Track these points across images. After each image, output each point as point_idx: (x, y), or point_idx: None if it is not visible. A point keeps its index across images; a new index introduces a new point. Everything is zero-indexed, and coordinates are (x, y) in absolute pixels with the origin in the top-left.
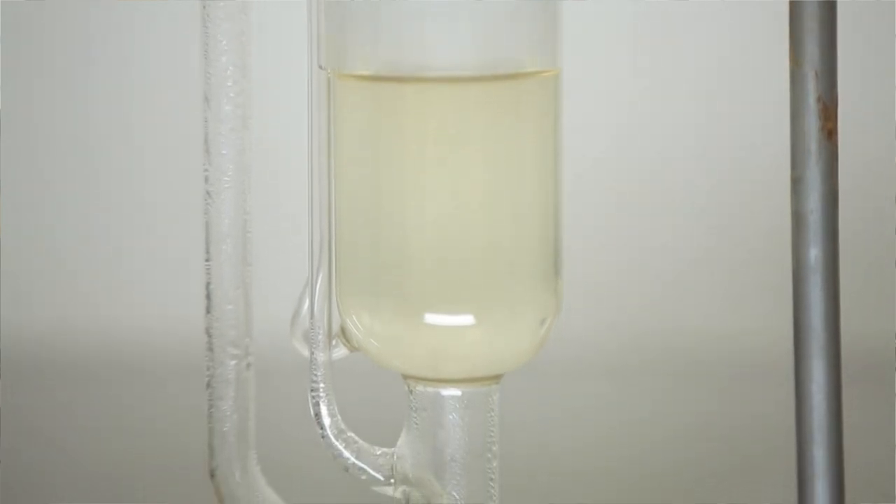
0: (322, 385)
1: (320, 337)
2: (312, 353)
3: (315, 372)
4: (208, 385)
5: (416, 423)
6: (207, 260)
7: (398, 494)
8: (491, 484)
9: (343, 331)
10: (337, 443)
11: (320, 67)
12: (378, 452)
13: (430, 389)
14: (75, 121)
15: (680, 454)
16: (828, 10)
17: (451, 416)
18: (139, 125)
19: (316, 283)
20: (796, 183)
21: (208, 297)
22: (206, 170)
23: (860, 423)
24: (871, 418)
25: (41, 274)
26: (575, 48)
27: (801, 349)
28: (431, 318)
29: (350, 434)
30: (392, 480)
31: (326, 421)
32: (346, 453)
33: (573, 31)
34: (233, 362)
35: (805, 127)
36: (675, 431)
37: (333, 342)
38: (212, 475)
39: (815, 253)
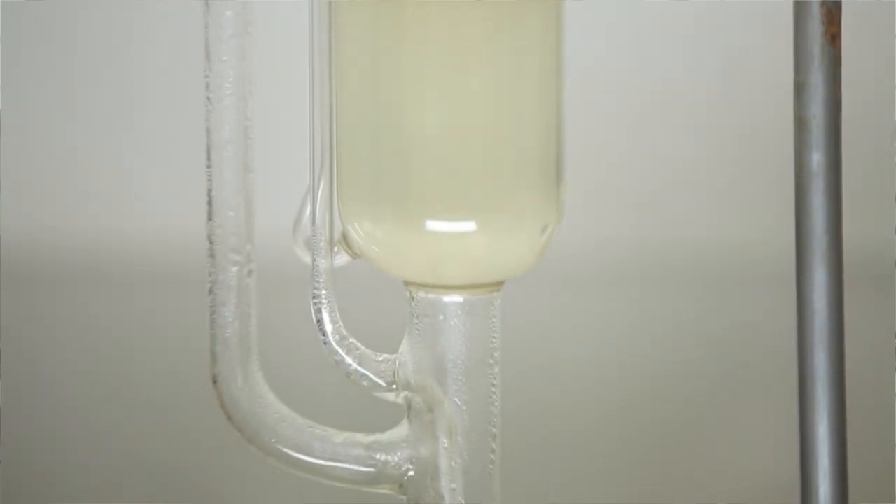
0: (324, 292)
1: (322, 244)
2: (314, 260)
3: (317, 278)
4: (210, 291)
5: (418, 330)
6: (208, 166)
7: (400, 400)
8: (492, 390)
9: (345, 238)
10: (339, 349)
11: None
12: (380, 359)
13: (431, 296)
14: (77, 24)
15: (681, 363)
16: None
17: (452, 323)
18: (139, 31)
19: (317, 190)
20: (799, 88)
21: (209, 203)
22: (206, 76)
23: (861, 329)
24: (872, 324)
25: (41, 183)
26: None
27: (803, 255)
28: (433, 224)
29: (352, 340)
30: (394, 386)
31: (328, 327)
32: (348, 359)
33: None
34: (234, 269)
35: (808, 31)
36: (676, 340)
37: (335, 249)
38: (214, 381)
39: (817, 158)
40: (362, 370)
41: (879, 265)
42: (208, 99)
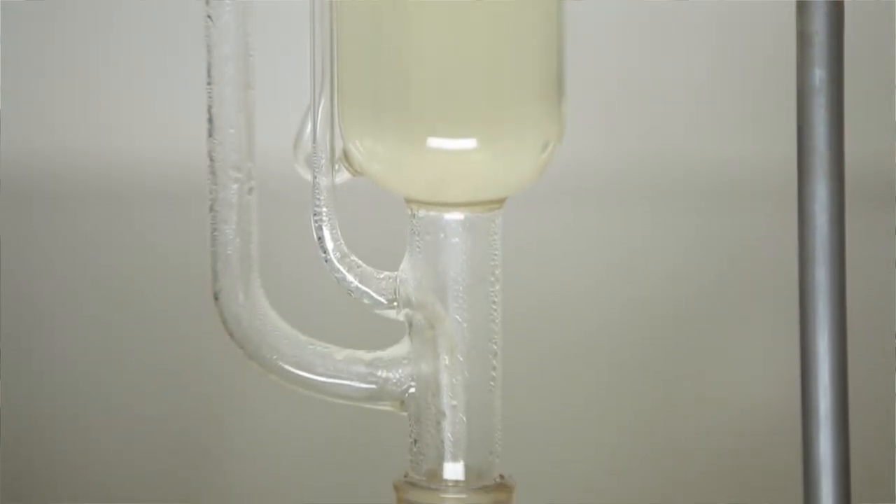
0: (325, 209)
1: (322, 161)
2: (315, 178)
3: (317, 196)
4: (211, 209)
5: (419, 248)
6: (209, 83)
7: (401, 318)
8: (493, 308)
9: (345, 155)
10: (340, 266)
11: None
12: (381, 276)
13: (432, 213)
14: None
15: (681, 280)
16: None
17: (453, 240)
18: None
19: (318, 107)
20: (801, 3)
21: (210, 120)
22: None
23: (862, 245)
24: (873, 239)
25: (43, 100)
26: None
27: (805, 171)
28: (434, 141)
29: (353, 258)
30: (395, 304)
31: (329, 245)
32: (349, 277)
33: None
34: (235, 186)
35: None
36: (677, 257)
37: (336, 166)
38: (215, 298)
39: (819, 74)
40: (363, 288)
41: (880, 182)
42: (209, 16)
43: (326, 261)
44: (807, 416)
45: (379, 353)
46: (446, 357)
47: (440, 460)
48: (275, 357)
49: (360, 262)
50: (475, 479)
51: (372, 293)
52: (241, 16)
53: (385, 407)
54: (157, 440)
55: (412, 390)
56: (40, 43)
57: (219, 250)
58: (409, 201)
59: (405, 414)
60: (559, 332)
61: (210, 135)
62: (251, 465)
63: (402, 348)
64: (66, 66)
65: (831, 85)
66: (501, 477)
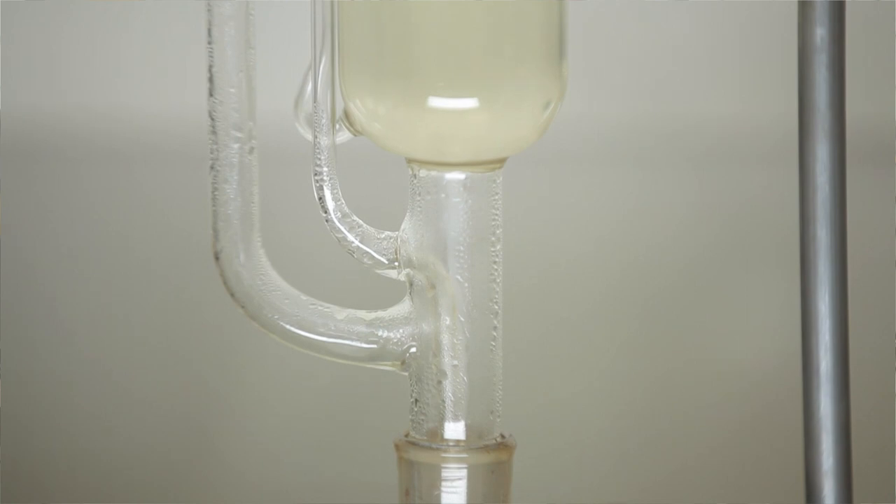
0: (325, 169)
1: (323, 121)
2: (315, 137)
3: (318, 156)
4: (212, 168)
5: (420, 207)
6: (210, 42)
7: (402, 278)
8: (494, 267)
9: (346, 115)
10: (341, 226)
11: None
12: (381, 236)
13: (433, 173)
14: None
15: (682, 239)
16: None
17: (454, 200)
18: None
19: (319, 66)
20: None
21: (210, 80)
22: None
23: (863, 203)
24: (873, 198)
25: (43, 58)
26: None
27: (806, 130)
28: (435, 101)
29: (354, 218)
30: (395, 264)
31: (330, 205)
32: (350, 237)
33: None
34: (236, 146)
35: None
36: (678, 216)
37: (336, 126)
38: (216, 257)
39: (820, 33)
40: (364, 248)
41: (880, 141)
42: None
43: (327, 221)
44: (807, 375)
45: (380, 313)
46: (447, 317)
47: (441, 420)
48: (275, 317)
49: (360, 221)
50: (476, 439)
51: (373, 253)
52: None
53: (386, 367)
54: (159, 402)
55: (413, 350)
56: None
57: (219, 210)
58: (409, 161)
59: (406, 374)
60: (560, 292)
61: (210, 94)
62: (252, 426)
63: (402, 308)
64: (69, 25)
65: (832, 44)
66: (502, 436)
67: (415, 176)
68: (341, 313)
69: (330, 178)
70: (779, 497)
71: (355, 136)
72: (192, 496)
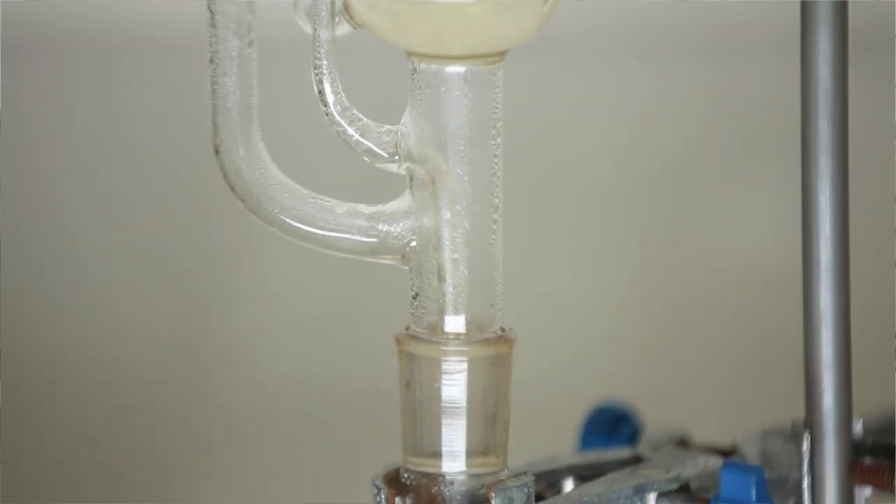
0: (325, 62)
1: (323, 13)
2: (315, 30)
3: (318, 49)
4: (211, 61)
5: (420, 101)
6: None
7: (402, 171)
8: (495, 161)
9: (346, 7)
10: (341, 120)
11: None
12: (381, 130)
13: (433, 66)
14: None
15: (683, 131)
16: None
17: (454, 94)
18: None
19: None
20: None
21: None
22: None
23: (863, 95)
24: (873, 90)
25: None
26: None
27: (808, 21)
28: None
29: (354, 111)
30: (396, 158)
31: (330, 98)
32: (350, 130)
33: None
34: (235, 39)
35: None
36: (679, 107)
37: (336, 19)
38: (216, 151)
39: None
40: (364, 141)
41: (880, 33)
42: None
43: (327, 114)
44: (808, 267)
45: (380, 207)
46: (447, 211)
47: (441, 313)
48: (276, 210)
49: (360, 115)
50: (476, 332)
51: (373, 147)
52: None
53: (386, 260)
54: (160, 294)
55: (413, 244)
56: None
57: (219, 103)
58: (410, 54)
59: (406, 267)
60: (560, 185)
61: None
62: (253, 319)
63: (403, 202)
64: None
65: None
66: (502, 330)
67: (415, 69)
68: (341, 207)
69: (329, 72)
70: (779, 388)
71: (355, 28)
72: (194, 398)
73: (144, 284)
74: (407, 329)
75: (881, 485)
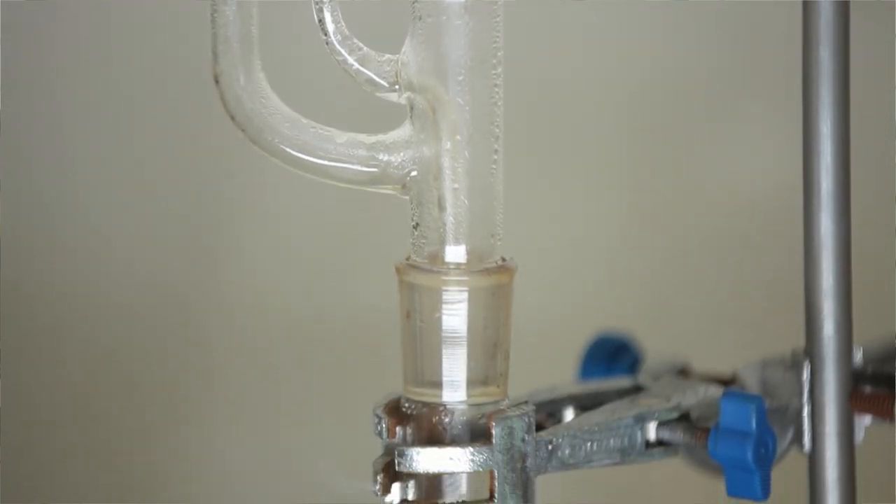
0: None
1: None
2: None
3: None
4: None
5: (421, 30)
6: None
7: (403, 101)
8: (496, 91)
9: None
10: (341, 49)
11: None
12: (382, 59)
13: None
14: None
15: (684, 60)
16: None
17: (455, 23)
18: None
19: None
20: None
21: None
22: None
23: (862, 30)
24: (874, 27)
25: None
26: None
27: None
28: None
29: (354, 41)
30: (396, 87)
31: (330, 27)
32: (350, 59)
33: None
34: None
35: None
36: (679, 36)
37: None
38: (216, 80)
39: None
40: (364, 70)
41: None
42: None
43: (327, 43)
44: (808, 195)
45: (380, 137)
46: (448, 140)
47: (442, 243)
48: (276, 140)
49: (361, 44)
50: (476, 262)
51: (373, 76)
52: None
53: (386, 190)
54: (159, 229)
55: (414, 174)
56: None
57: (219, 32)
58: None
59: (406, 197)
60: (561, 115)
61: None
62: (254, 249)
63: (403, 132)
64: None
65: None
66: (503, 260)
67: None
68: (342, 137)
69: (329, 1)
70: (779, 318)
71: None
72: (195, 334)
73: (143, 219)
74: (407, 259)
75: (881, 413)
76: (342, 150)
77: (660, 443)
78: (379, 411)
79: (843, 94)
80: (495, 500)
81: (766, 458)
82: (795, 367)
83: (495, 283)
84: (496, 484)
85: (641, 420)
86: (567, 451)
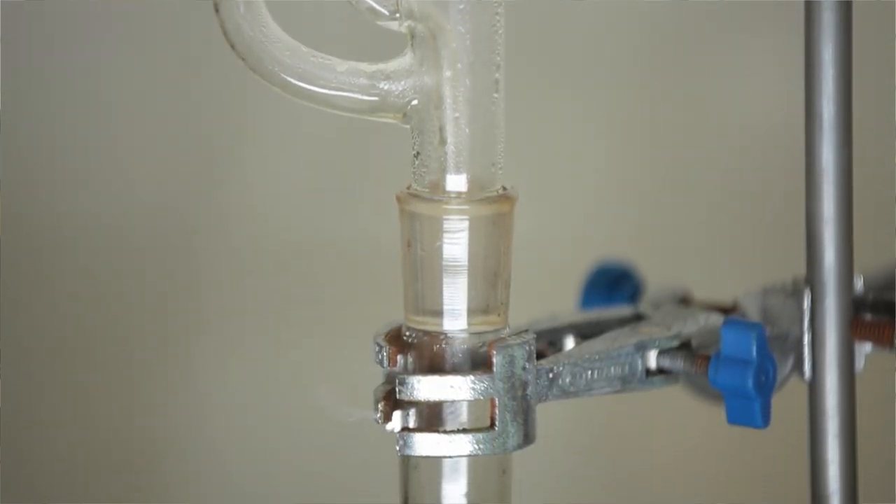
0: None
1: None
2: None
3: None
4: None
5: None
6: None
7: (403, 29)
8: (497, 19)
9: None
10: None
11: None
12: None
13: None
14: None
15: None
16: None
17: None
18: None
19: None
20: None
21: None
22: None
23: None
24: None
25: None
26: None
27: None
28: None
29: None
30: (397, 15)
31: None
32: None
33: None
34: None
35: None
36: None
37: None
38: (216, 8)
39: None
40: None
41: None
42: None
43: None
44: (810, 123)
45: (381, 66)
46: (449, 69)
47: (442, 172)
48: (276, 69)
49: None
50: (477, 191)
51: (373, 4)
52: None
53: (387, 119)
54: (162, 155)
55: (414, 102)
56: None
57: None
58: None
59: (407, 126)
60: (563, 43)
61: None
62: (253, 179)
63: (404, 61)
64: None
65: None
66: (504, 188)
67: None
68: (342, 65)
69: None
70: (779, 245)
71: None
72: (195, 262)
73: (144, 146)
74: (408, 188)
75: (881, 341)
76: (343, 79)
77: (660, 371)
78: (380, 340)
79: (846, 20)
80: (496, 428)
81: (766, 386)
82: (796, 294)
83: (496, 211)
84: (497, 412)
85: (642, 348)
86: (568, 380)
